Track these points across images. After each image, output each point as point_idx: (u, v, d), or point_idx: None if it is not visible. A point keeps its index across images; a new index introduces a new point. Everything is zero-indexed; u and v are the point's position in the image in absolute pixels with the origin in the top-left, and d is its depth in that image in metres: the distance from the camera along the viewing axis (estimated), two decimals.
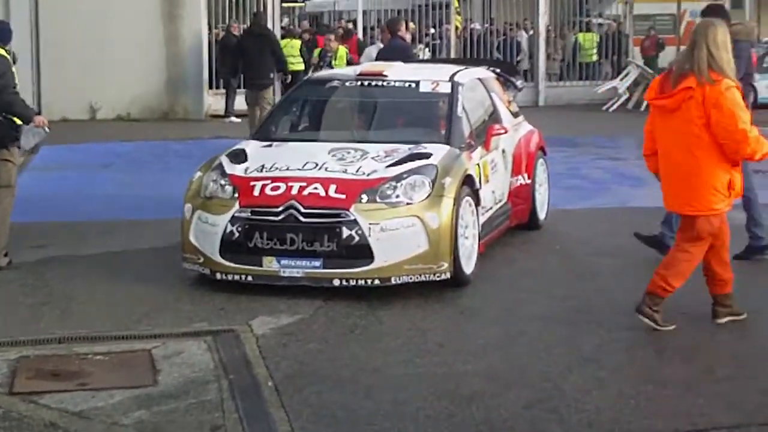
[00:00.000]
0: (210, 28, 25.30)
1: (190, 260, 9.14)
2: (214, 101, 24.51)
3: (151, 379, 6.88)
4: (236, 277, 8.86)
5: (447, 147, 9.47)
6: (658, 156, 7.84)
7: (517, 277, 9.52)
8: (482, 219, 9.76)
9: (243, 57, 19.11)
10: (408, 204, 8.78)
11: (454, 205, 8.88)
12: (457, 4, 28.02)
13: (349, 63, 15.91)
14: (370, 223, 8.62)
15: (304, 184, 8.87)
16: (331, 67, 15.78)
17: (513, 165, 10.85)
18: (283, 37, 25.62)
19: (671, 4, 27.93)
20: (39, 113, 10.10)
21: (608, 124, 23.20)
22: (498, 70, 11.97)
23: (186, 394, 6.62)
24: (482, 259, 9.68)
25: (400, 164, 9.09)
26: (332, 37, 17.34)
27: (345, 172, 9.00)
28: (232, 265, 8.85)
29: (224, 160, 9.44)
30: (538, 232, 11.28)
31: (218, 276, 8.94)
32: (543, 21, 26.34)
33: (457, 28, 27.75)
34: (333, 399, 6.55)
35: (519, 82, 12.29)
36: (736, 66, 7.75)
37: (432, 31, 27.12)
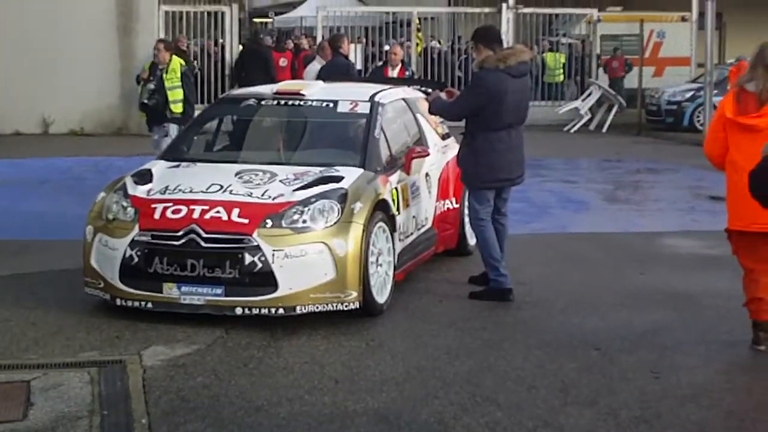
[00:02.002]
0: None
1: (91, 285, 8.77)
2: None
3: (20, 414, 6.51)
4: (136, 304, 8.50)
5: (360, 170, 9.12)
6: (731, 173, 7.79)
7: (432, 307, 9.16)
8: (401, 246, 9.41)
9: (244, 71, 21.70)
10: (315, 230, 8.42)
11: (364, 231, 8.53)
12: (418, 22, 27.73)
13: (184, 75, 14.14)
14: (273, 250, 8.27)
15: (207, 207, 8.51)
16: (162, 82, 14.02)
17: (439, 189, 10.51)
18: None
19: (637, 23, 27.69)
20: None
21: (566, 145, 22.93)
22: (429, 90, 11.61)
23: (53, 431, 6.24)
24: (400, 287, 9.36)
25: (309, 188, 8.74)
26: (161, 46, 14.62)
27: (250, 195, 8.65)
28: (132, 291, 8.49)
29: (128, 180, 9.08)
30: (467, 258, 10.91)
31: (118, 302, 8.58)
32: (505, 39, 25.99)
33: (417, 45, 27.45)
34: None
35: None
36: None
37: (386, 48, 26.76)
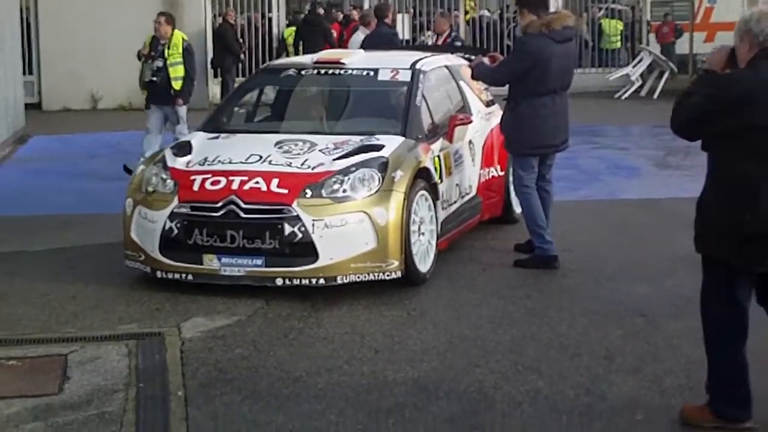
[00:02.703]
0: (215, 17, 24.86)
1: (132, 258, 8.72)
2: (219, 90, 24.07)
3: (56, 388, 6.46)
4: (176, 276, 8.43)
5: (401, 138, 8.98)
6: None
7: (476, 276, 9.03)
8: (444, 214, 9.28)
9: (303, 44, 21.50)
10: (355, 199, 8.30)
11: (405, 199, 8.40)
12: None
13: (186, 51, 13.64)
14: (313, 220, 8.16)
15: (246, 178, 8.42)
16: (163, 58, 13.53)
17: (483, 156, 10.34)
18: (288, 26, 25.26)
19: None
20: None
21: (617, 112, 22.61)
22: (472, 57, 11.44)
23: (88, 405, 6.20)
24: (444, 255, 9.24)
25: (349, 157, 8.62)
26: (162, 20, 13.73)
27: (289, 165, 8.54)
28: (172, 263, 8.42)
29: (168, 152, 9.01)
30: (512, 225, 10.74)
31: (158, 274, 8.52)
32: (552, 7, 25.66)
33: (467, 14, 27.17)
34: (243, 411, 6.11)
35: None
36: None
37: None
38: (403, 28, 25.59)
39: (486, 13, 27.52)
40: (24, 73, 23.33)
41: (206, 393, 6.37)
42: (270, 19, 25.54)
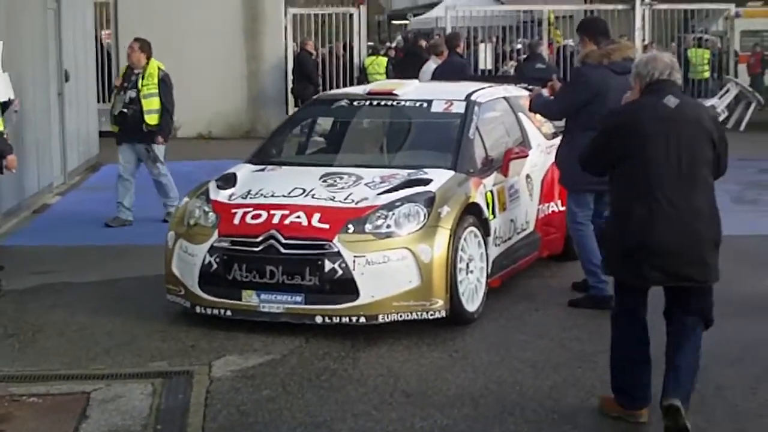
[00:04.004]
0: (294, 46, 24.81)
1: (172, 292, 8.54)
2: None
3: (71, 428, 6.26)
4: (215, 311, 8.22)
5: (451, 172, 8.69)
6: None
7: (527, 316, 8.69)
8: (496, 251, 8.97)
9: (401, 73, 20.16)
10: (399, 235, 8.02)
11: (451, 236, 8.10)
12: (552, 20, 27.06)
13: (162, 81, 12.52)
14: (355, 256, 7.90)
15: (287, 212, 8.19)
16: (137, 88, 12.42)
17: (542, 191, 10.00)
18: (369, 56, 25.13)
19: None
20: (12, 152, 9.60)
21: None
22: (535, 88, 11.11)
23: None
24: (496, 293, 8.92)
25: (395, 191, 8.35)
26: (135, 46, 12.49)
27: (333, 199, 8.29)
28: (211, 298, 8.22)
29: (212, 185, 8.83)
30: (574, 263, 10.31)
31: (197, 309, 8.32)
32: (639, 36, 25.23)
33: (553, 43, 26.78)
34: None
35: None
36: None
37: (518, 46, 26.23)
38: (485, 57, 25.28)
39: (570, 42, 27.05)
40: (103, 101, 23.55)
41: None
42: (351, 48, 25.39)
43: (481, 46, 26.21)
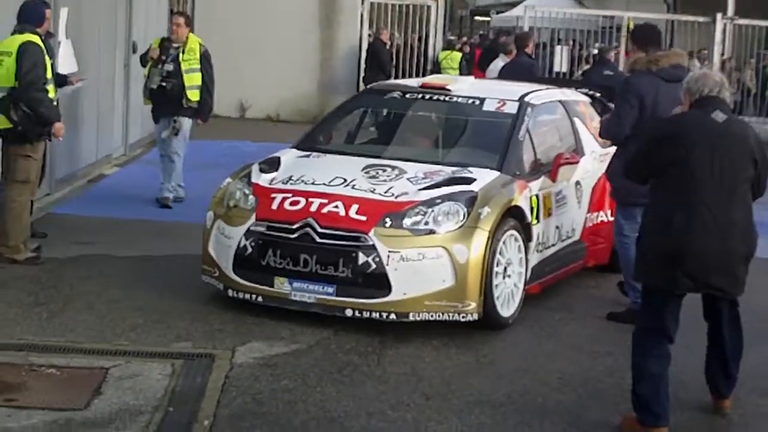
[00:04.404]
0: (369, 35, 24.71)
1: (207, 273, 8.49)
2: None
3: (83, 403, 6.21)
4: (247, 296, 8.15)
5: (496, 173, 8.53)
6: None
7: (563, 325, 8.52)
8: (538, 257, 8.81)
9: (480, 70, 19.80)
10: (436, 233, 7.89)
11: (489, 238, 7.96)
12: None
13: (204, 57, 12.14)
14: (389, 251, 7.78)
15: (326, 201, 8.09)
16: (178, 63, 12.01)
17: (592, 199, 9.81)
18: (443, 50, 24.97)
19: None
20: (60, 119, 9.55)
21: None
22: (598, 95, 10.93)
23: (108, 425, 5.96)
24: (535, 300, 8.77)
25: (436, 188, 8.22)
26: (180, 21, 12.11)
27: (373, 191, 8.18)
28: (244, 282, 8.16)
29: (255, 168, 8.76)
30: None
31: (230, 293, 8.26)
32: (717, 50, 24.81)
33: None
34: None
35: None
36: None
37: (595, 51, 25.87)
38: (561, 59, 25.02)
39: None
40: None
41: (234, 424, 6.06)
42: (426, 40, 25.24)
43: (557, 48, 25.95)
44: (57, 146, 11.62)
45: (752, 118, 25.58)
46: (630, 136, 8.49)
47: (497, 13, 41.20)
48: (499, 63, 15.60)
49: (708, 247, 6.07)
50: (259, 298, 8.09)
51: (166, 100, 12.14)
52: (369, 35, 24.33)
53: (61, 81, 10.12)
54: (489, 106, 9.28)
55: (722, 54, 25.11)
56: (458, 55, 24.66)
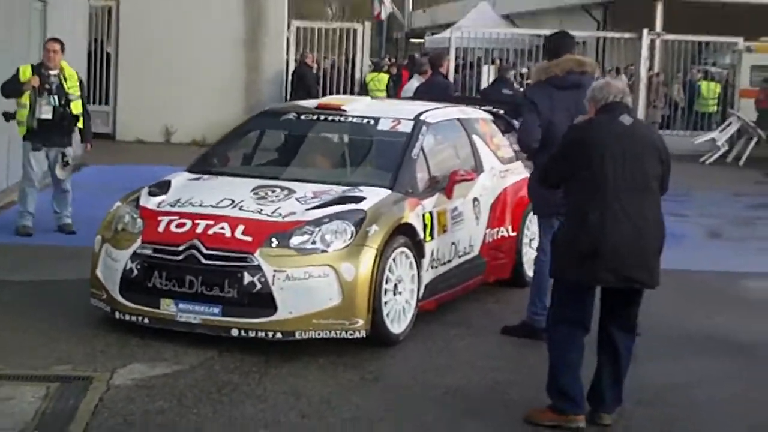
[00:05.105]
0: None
1: (96, 296, 8.41)
2: None
3: None
4: (133, 318, 8.08)
5: (387, 191, 8.51)
6: None
7: (457, 341, 8.51)
8: (432, 274, 8.79)
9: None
10: (323, 251, 7.86)
11: (377, 256, 7.93)
12: None
13: (81, 84, 12.09)
14: (275, 270, 7.74)
15: (212, 222, 8.04)
16: (63, 91, 11.80)
17: (491, 215, 9.81)
18: (371, 72, 25.05)
19: None
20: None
21: (695, 177, 21.64)
22: (501, 111, 10.96)
23: None
24: (430, 317, 8.77)
25: (325, 207, 8.19)
26: (58, 47, 11.83)
27: (260, 212, 8.14)
28: (131, 304, 8.09)
29: (144, 191, 8.69)
30: (522, 290, 10.13)
31: (117, 315, 8.19)
32: (644, 65, 24.96)
33: None
34: None
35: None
36: None
37: (524, 70, 26.04)
38: (489, 78, 25.14)
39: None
40: (100, 103, 23.53)
41: None
42: (354, 63, 25.30)
43: (485, 67, 26.14)
44: None
45: (680, 131, 25.86)
46: (538, 147, 8.44)
47: (432, 34, 41.46)
48: (414, 83, 15.59)
49: (624, 242, 6.36)
50: (146, 320, 8.02)
51: (55, 130, 11.90)
52: (295, 60, 24.36)
53: None
54: (384, 125, 9.27)
55: (649, 69, 25.31)
56: (385, 76, 24.76)
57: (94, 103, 23.29)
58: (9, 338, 7.91)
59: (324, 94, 24.40)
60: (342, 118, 9.45)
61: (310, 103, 10.15)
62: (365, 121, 9.36)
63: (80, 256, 10.63)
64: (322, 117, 9.54)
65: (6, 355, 7.52)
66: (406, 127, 9.22)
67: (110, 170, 18.21)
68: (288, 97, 23.76)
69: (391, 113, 9.50)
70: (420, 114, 9.44)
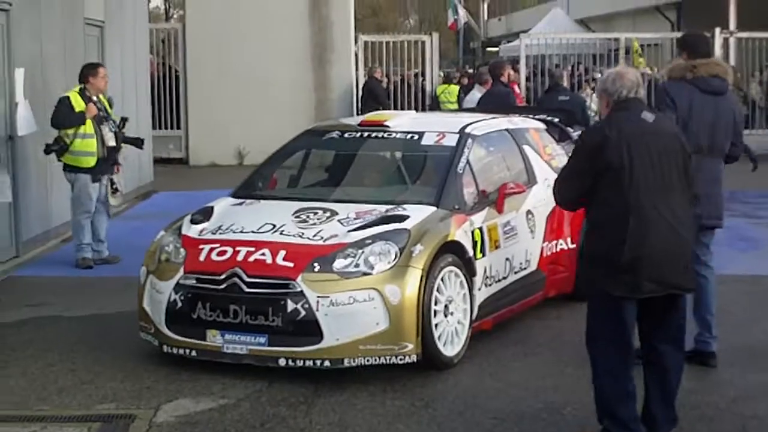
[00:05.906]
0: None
1: (144, 330, 8.29)
2: None
3: None
4: (181, 351, 7.94)
5: (432, 209, 8.29)
6: None
7: (513, 361, 8.23)
8: (486, 292, 8.54)
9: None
10: (366, 274, 7.65)
11: (424, 276, 7.70)
12: (637, 47, 26.35)
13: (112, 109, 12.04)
14: (318, 296, 7.55)
15: (252, 249, 7.88)
16: (110, 118, 11.87)
17: (547, 228, 9.53)
18: (441, 83, 24.83)
19: None
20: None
21: None
22: (556, 120, 10.69)
23: None
24: (489, 335, 8.53)
25: (367, 228, 7.98)
26: (101, 72, 11.77)
27: (301, 236, 7.96)
28: (177, 337, 7.96)
29: (186, 219, 8.57)
30: (583, 304, 9.82)
31: (164, 349, 8.05)
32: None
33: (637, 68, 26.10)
34: None
35: (576, 134, 10.85)
36: None
37: (598, 75, 25.59)
38: (567, 84, 24.72)
39: (647, 71, 26.33)
40: (172, 128, 23.63)
41: None
42: (423, 76, 25.12)
43: (563, 73, 25.67)
44: (29, 205, 11.48)
45: (759, 131, 25.23)
46: None
47: (507, 42, 41.15)
48: (475, 94, 15.40)
49: (665, 248, 6.04)
50: (193, 353, 7.88)
51: (109, 159, 11.86)
52: (364, 74, 24.25)
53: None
54: (427, 140, 9.05)
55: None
56: (455, 88, 24.48)
57: (165, 127, 23.45)
58: (56, 378, 7.80)
59: (395, 108, 24.30)
60: (385, 135, 9.25)
61: (354, 120, 9.96)
62: (409, 136, 9.15)
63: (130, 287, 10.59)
64: (365, 134, 9.34)
65: (51, 395, 7.43)
66: (451, 140, 8.99)
67: (180, 196, 18.18)
68: (358, 112, 23.59)
69: (436, 127, 9.28)
70: (465, 126, 9.20)
